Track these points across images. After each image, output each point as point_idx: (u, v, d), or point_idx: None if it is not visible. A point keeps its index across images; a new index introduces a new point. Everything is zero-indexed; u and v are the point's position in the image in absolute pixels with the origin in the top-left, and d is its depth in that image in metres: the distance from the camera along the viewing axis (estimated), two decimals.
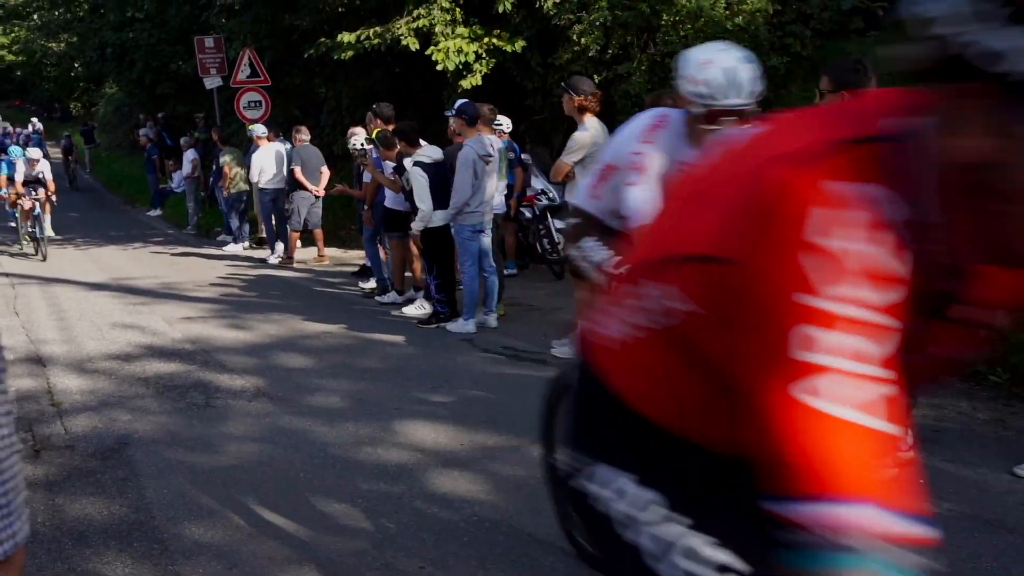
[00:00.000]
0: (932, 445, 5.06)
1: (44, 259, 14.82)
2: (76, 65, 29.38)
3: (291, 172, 13.11)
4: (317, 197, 13.23)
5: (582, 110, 7.07)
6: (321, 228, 13.56)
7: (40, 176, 16.27)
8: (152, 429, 5.94)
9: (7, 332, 9.07)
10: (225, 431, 5.87)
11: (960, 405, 5.74)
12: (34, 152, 16.58)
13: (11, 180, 16.17)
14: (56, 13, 27.94)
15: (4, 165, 16.65)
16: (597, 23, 11.66)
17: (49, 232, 16.39)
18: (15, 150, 16.89)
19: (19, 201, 15.93)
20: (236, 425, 5.99)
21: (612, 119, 11.93)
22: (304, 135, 13.38)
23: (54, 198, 16.72)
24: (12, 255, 15.92)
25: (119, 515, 4.60)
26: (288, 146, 13.74)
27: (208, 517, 4.53)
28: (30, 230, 15.72)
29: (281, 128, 15.17)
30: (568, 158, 7.02)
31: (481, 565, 3.91)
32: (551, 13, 12.10)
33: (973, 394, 5.92)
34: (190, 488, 4.92)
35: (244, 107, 16.59)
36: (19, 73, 42.96)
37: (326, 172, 13.42)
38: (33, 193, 15.86)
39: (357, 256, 13.35)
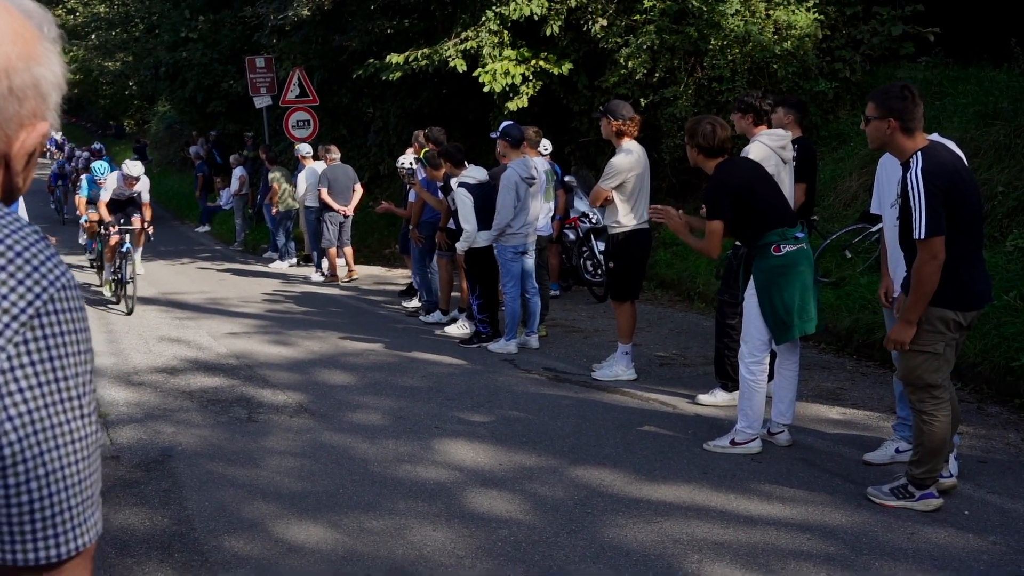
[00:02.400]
0: (978, 476, 4.98)
1: (131, 311, 10.97)
2: (131, 84, 29.96)
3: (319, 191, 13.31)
4: (346, 216, 13.34)
5: (620, 134, 7.05)
6: (351, 246, 13.65)
7: (136, 197, 12.18)
8: (195, 442, 6.01)
9: None
10: (267, 445, 5.92)
11: (1008, 436, 5.63)
12: (134, 167, 11.87)
13: (92, 203, 12.69)
14: (113, 33, 28.52)
15: (85, 185, 13.23)
16: (644, 46, 11.68)
17: (140, 269, 12.42)
18: (100, 166, 12.67)
19: (101, 231, 12.20)
20: (277, 440, 6.04)
21: (657, 143, 11.96)
22: (334, 154, 13.54)
23: (151, 229, 12.14)
24: (89, 302, 11.59)
25: (161, 526, 4.66)
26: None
27: (248, 530, 4.57)
28: (113, 276, 11.88)
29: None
30: (606, 184, 7.00)
31: None
32: (598, 36, 12.16)
33: (1021, 425, 5.81)
34: (231, 501, 4.97)
35: (292, 126, 16.81)
36: (76, 91, 44.00)
37: (359, 191, 13.54)
38: (123, 221, 11.84)
39: (400, 275, 13.44)
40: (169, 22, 23.19)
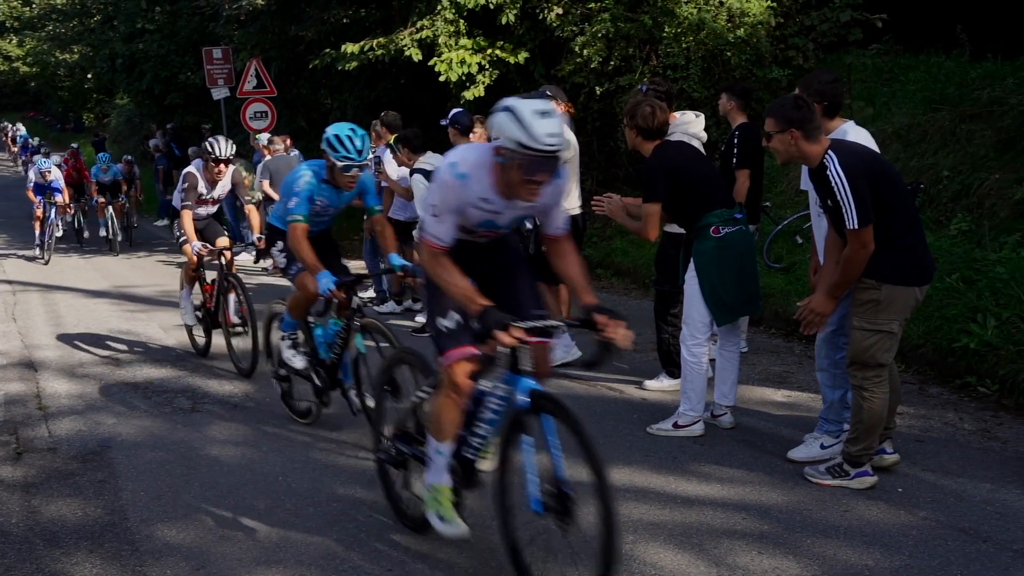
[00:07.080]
0: (915, 455, 5.02)
1: (251, 371, 7.22)
2: (88, 76, 29.58)
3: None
4: None
5: None
6: None
7: (223, 203, 8.49)
8: (136, 432, 5.94)
9: (3, 338, 9.10)
10: (209, 435, 5.86)
11: (947, 415, 5.68)
12: (224, 145, 7.64)
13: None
14: (70, 24, 28.14)
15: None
16: (599, 35, 11.66)
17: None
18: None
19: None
20: (220, 429, 5.98)
21: (613, 130, 11.95)
22: (276, 146, 13.45)
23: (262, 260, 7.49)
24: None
25: (93, 516, 4.59)
26: (297, 154, 13.77)
27: (182, 519, 4.52)
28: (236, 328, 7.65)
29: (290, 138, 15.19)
30: None
31: (448, 569, 3.87)
32: (554, 25, 12.12)
33: (960, 405, 5.86)
34: (167, 490, 4.91)
35: (250, 118, 16.65)
36: (33, 84, 43.32)
37: None
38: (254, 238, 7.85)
39: (360, 266, 13.33)
40: (125, 13, 22.93)
